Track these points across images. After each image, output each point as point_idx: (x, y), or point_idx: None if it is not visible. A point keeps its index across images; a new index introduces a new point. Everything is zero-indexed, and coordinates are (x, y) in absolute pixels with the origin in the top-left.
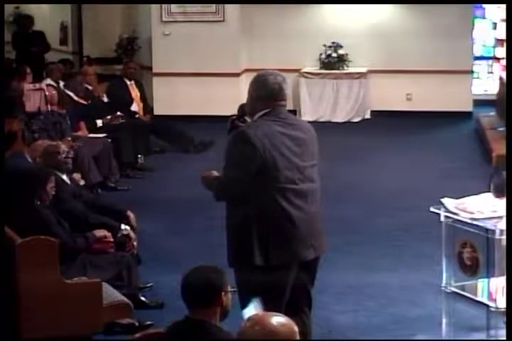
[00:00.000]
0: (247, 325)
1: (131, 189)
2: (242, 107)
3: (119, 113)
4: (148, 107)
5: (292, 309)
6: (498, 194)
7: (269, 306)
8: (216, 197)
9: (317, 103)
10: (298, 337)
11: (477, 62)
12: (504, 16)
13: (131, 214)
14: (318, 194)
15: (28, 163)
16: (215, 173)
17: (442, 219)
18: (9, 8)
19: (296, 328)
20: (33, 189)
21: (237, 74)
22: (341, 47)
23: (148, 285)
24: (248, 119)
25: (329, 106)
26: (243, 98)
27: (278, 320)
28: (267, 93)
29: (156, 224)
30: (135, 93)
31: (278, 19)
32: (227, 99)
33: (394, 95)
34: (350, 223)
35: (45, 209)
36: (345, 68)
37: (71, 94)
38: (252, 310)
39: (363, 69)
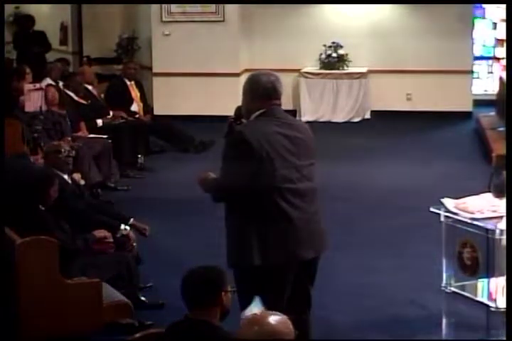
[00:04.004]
0: (245, 325)
1: (131, 189)
2: (238, 109)
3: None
4: (148, 107)
5: (292, 309)
6: (498, 194)
7: (269, 306)
8: (214, 199)
9: (317, 103)
10: (294, 335)
11: (477, 62)
12: (504, 16)
13: (136, 223)
14: (317, 193)
15: (30, 164)
16: (212, 175)
17: (442, 219)
18: (9, 8)
19: (291, 326)
20: (36, 193)
21: (237, 74)
22: (341, 47)
23: (148, 285)
24: (245, 121)
25: (329, 106)
26: None
27: (275, 318)
28: (261, 93)
29: (156, 224)
30: (135, 93)
31: (278, 19)
32: (227, 99)
33: (394, 95)
34: (350, 223)
35: (47, 215)
36: (345, 68)
37: (71, 94)
38: (253, 309)
39: (363, 69)
